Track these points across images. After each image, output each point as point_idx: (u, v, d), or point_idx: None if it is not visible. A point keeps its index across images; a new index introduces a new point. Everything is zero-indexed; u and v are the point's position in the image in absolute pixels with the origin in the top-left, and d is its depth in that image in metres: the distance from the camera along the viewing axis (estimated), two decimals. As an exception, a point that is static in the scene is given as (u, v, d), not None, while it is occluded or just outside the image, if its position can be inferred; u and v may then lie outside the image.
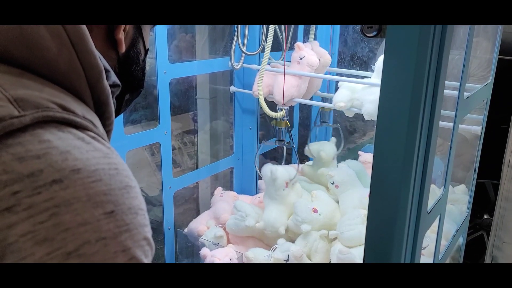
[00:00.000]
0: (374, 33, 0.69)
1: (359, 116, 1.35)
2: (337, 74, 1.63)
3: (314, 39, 1.56)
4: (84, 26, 0.45)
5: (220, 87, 1.80)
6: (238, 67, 1.48)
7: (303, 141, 1.82)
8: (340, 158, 1.67)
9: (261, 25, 1.49)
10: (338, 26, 1.76)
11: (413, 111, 0.63)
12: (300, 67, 1.40)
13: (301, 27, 1.67)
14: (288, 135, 1.43)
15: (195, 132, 1.93)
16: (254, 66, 1.50)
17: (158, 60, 1.29)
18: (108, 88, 0.49)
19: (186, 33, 1.73)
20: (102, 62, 0.49)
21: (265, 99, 1.44)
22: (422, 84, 0.62)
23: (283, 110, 1.40)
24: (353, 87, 1.34)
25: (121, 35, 0.56)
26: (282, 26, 1.48)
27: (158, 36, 1.27)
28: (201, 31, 1.72)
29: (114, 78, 0.53)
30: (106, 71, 0.50)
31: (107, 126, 0.51)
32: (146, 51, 0.64)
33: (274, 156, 1.98)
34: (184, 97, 1.80)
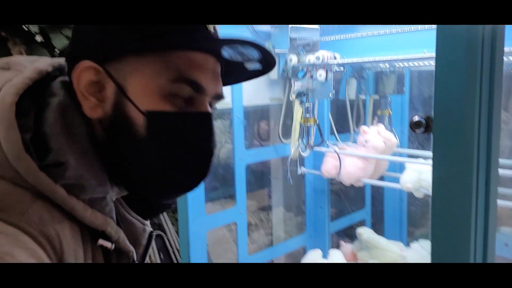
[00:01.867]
0: (422, 129, 0.78)
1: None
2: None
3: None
4: None
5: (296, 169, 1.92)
6: (307, 154, 1.59)
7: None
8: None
9: (329, 114, 1.63)
10: (407, 107, 1.85)
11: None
12: (365, 149, 1.48)
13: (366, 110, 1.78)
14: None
15: (269, 209, 2.04)
16: (323, 149, 1.61)
17: (235, 147, 1.45)
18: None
19: (263, 119, 1.91)
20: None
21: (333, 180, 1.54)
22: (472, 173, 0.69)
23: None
24: (420, 168, 1.39)
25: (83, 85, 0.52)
26: (349, 112, 1.60)
27: (236, 125, 1.44)
28: (275, 118, 1.89)
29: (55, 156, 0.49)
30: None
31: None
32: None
33: (346, 233, 2.01)
34: (260, 175, 1.94)
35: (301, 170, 1.72)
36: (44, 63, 0.56)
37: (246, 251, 1.52)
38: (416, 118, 0.80)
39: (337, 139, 1.62)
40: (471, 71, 0.68)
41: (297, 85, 1.47)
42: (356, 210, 2.01)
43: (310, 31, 1.45)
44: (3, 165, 0.47)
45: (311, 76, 1.43)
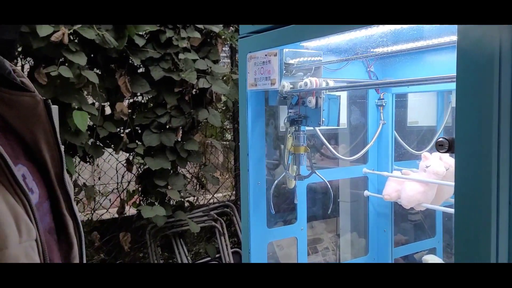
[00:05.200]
0: (446, 149, 0.84)
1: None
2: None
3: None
4: None
5: (360, 192, 1.97)
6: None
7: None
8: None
9: (392, 138, 1.68)
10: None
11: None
12: (426, 175, 1.50)
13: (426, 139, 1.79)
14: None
15: (335, 231, 2.10)
16: (385, 173, 1.66)
17: (298, 168, 1.57)
18: None
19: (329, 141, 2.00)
20: None
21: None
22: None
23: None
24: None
25: None
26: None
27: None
28: (344, 140, 1.97)
29: None
30: None
31: None
32: None
33: (412, 260, 1.98)
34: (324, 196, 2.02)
35: (365, 193, 1.77)
36: None
37: (306, 267, 1.61)
38: (440, 139, 0.87)
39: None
40: (490, 92, 0.74)
41: (290, 112, 1.41)
42: (426, 238, 1.98)
43: (307, 55, 1.39)
44: None
45: (303, 103, 1.37)
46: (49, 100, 0.67)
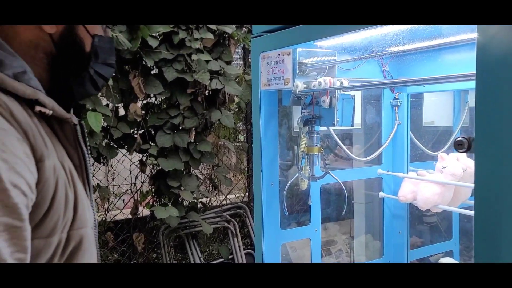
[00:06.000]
0: (465, 149, 0.81)
1: None
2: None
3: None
4: None
5: (375, 193, 1.95)
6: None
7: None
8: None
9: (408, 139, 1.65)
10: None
11: None
12: (443, 176, 1.47)
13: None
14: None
15: (349, 233, 2.07)
16: (400, 174, 1.63)
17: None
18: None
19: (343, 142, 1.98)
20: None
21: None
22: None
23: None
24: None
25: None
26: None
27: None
28: (359, 141, 1.95)
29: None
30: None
31: None
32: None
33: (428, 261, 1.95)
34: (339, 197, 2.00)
35: (380, 194, 1.74)
36: None
37: (320, 269, 1.59)
38: (459, 139, 0.85)
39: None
40: (510, 90, 0.71)
41: (304, 112, 1.39)
42: (443, 241, 1.94)
43: (321, 54, 1.38)
44: None
45: (317, 103, 1.35)
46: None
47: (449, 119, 1.85)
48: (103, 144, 2.46)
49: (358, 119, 1.73)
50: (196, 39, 2.54)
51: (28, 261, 0.59)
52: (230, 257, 3.02)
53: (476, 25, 0.74)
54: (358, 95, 1.69)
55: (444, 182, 1.46)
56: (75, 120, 0.75)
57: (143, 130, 2.62)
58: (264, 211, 1.41)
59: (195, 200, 2.90)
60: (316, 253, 1.58)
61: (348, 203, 1.99)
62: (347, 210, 2.01)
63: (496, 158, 0.73)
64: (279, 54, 1.34)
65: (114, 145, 2.57)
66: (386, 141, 1.68)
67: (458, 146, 0.83)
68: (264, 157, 1.39)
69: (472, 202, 1.58)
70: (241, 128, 3.55)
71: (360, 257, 1.99)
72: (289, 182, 1.46)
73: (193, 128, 2.70)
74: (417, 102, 1.80)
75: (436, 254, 1.86)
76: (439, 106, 1.85)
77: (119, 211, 3.02)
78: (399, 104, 1.69)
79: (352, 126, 1.40)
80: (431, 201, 1.48)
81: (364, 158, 1.73)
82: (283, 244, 1.51)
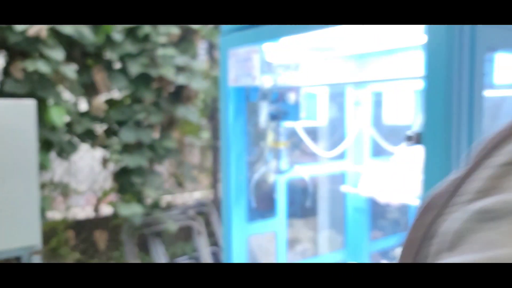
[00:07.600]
0: (413, 142, 0.88)
1: None
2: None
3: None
4: None
5: (338, 187, 2.01)
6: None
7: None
8: None
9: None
10: None
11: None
12: (400, 168, 1.55)
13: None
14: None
15: (314, 227, 2.13)
16: (361, 168, 1.70)
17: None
18: None
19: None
20: None
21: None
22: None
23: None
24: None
25: None
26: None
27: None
28: (324, 136, 2.00)
29: None
30: None
31: None
32: None
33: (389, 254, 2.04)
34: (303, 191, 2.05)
35: (342, 188, 1.81)
36: None
37: (285, 261, 1.63)
38: (408, 133, 0.91)
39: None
40: (450, 90, 0.78)
41: (270, 108, 1.44)
42: (402, 232, 2.03)
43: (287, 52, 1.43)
44: None
45: (283, 99, 1.40)
46: None
47: (409, 118, 1.93)
48: (65, 139, 2.40)
49: (323, 116, 1.78)
50: (161, 34, 2.53)
51: None
52: (193, 254, 3.03)
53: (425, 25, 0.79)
54: (323, 92, 1.74)
55: (402, 174, 1.54)
56: None
57: (107, 127, 2.58)
58: (232, 205, 1.43)
59: (159, 198, 2.89)
60: (282, 246, 1.61)
61: (313, 196, 2.04)
62: (311, 203, 2.07)
63: (439, 150, 0.79)
64: (247, 51, 1.36)
65: (78, 139, 2.51)
66: (348, 137, 1.75)
67: (407, 139, 0.89)
68: (232, 151, 1.42)
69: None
70: (205, 125, 3.56)
71: (323, 249, 2.06)
72: (256, 176, 1.49)
73: (158, 124, 2.68)
74: (380, 100, 1.87)
75: (397, 247, 1.95)
76: (400, 104, 1.93)
77: (81, 209, 2.95)
78: (361, 102, 1.76)
79: (316, 121, 1.45)
80: (388, 193, 1.55)
81: (328, 153, 1.78)
82: (250, 237, 1.54)
